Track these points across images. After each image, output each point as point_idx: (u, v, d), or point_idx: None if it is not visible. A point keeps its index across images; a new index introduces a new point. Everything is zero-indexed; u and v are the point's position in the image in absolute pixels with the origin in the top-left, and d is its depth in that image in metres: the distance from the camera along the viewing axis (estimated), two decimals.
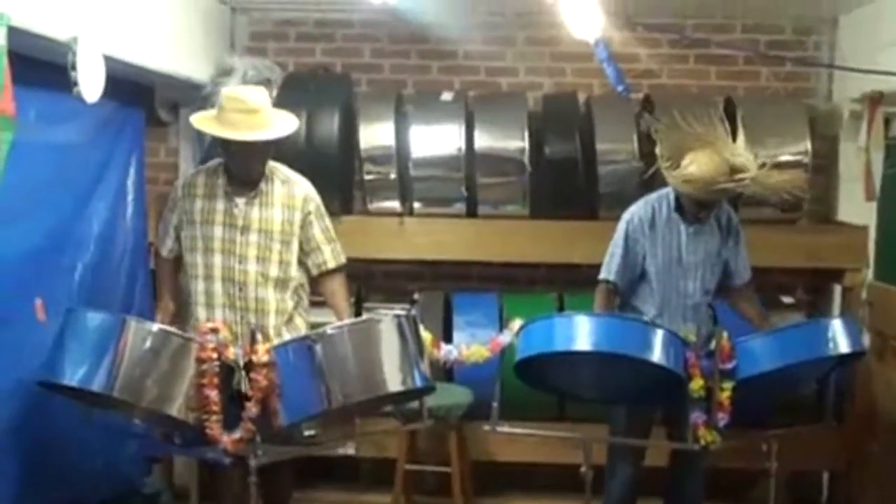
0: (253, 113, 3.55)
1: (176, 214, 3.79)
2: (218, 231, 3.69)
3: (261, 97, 3.63)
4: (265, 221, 3.69)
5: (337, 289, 3.83)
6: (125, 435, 3.94)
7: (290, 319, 3.74)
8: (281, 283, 3.72)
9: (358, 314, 4.78)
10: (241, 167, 3.67)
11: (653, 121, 4.02)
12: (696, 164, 3.68)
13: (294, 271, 3.75)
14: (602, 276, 3.92)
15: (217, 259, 3.69)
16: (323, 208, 3.82)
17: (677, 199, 3.86)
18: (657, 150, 3.85)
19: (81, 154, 3.96)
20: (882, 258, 4.74)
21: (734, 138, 3.77)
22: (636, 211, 3.92)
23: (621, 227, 3.92)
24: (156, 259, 4.02)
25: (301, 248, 3.76)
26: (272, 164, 3.76)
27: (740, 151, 3.73)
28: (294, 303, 3.76)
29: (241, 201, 3.69)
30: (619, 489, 3.98)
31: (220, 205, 3.70)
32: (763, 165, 3.75)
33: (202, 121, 3.69)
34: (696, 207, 3.82)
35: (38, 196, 3.61)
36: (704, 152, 3.69)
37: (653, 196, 3.95)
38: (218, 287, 3.69)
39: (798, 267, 4.96)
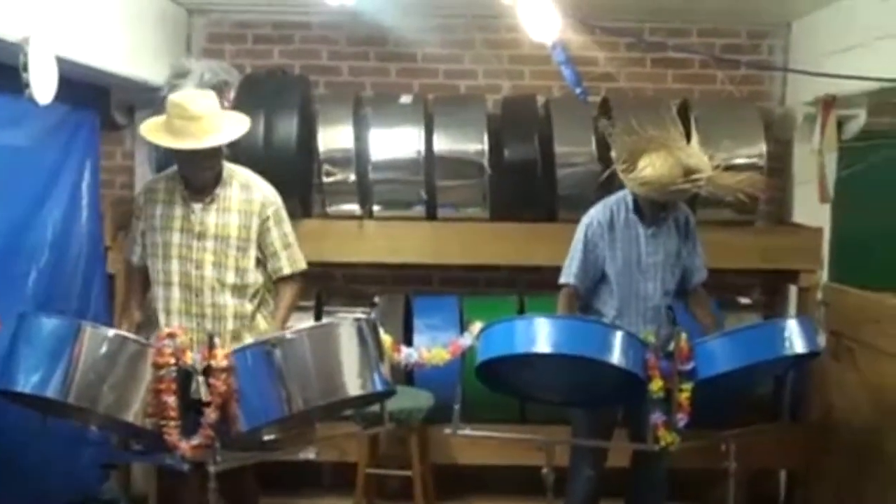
0: (195, 120, 3.47)
1: (141, 220, 3.74)
2: (175, 237, 3.65)
3: (205, 103, 3.55)
4: (221, 227, 3.65)
5: (284, 294, 3.76)
6: (82, 442, 3.88)
7: (252, 322, 3.70)
8: (238, 289, 3.68)
9: (318, 318, 4.78)
10: (190, 173, 3.63)
11: (607, 125, 4.05)
12: (651, 167, 3.71)
13: (252, 277, 3.70)
14: (562, 279, 3.93)
15: (174, 265, 3.65)
16: (283, 213, 3.76)
17: (635, 201, 3.88)
18: (612, 154, 3.87)
19: (34, 157, 3.91)
20: (836, 259, 4.82)
21: (688, 140, 3.81)
22: (595, 214, 3.94)
23: (580, 230, 3.93)
24: (126, 267, 3.93)
25: (261, 252, 3.72)
26: (232, 168, 3.72)
27: (694, 152, 3.76)
28: (255, 306, 3.72)
29: (197, 207, 3.65)
30: (581, 491, 3.99)
31: (178, 210, 3.66)
32: (717, 166, 3.79)
33: (150, 128, 3.62)
34: (653, 209, 3.85)
35: None
36: (659, 154, 3.72)
37: (611, 199, 3.97)
38: (176, 293, 3.66)
39: (754, 268, 5.01)
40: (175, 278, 3.66)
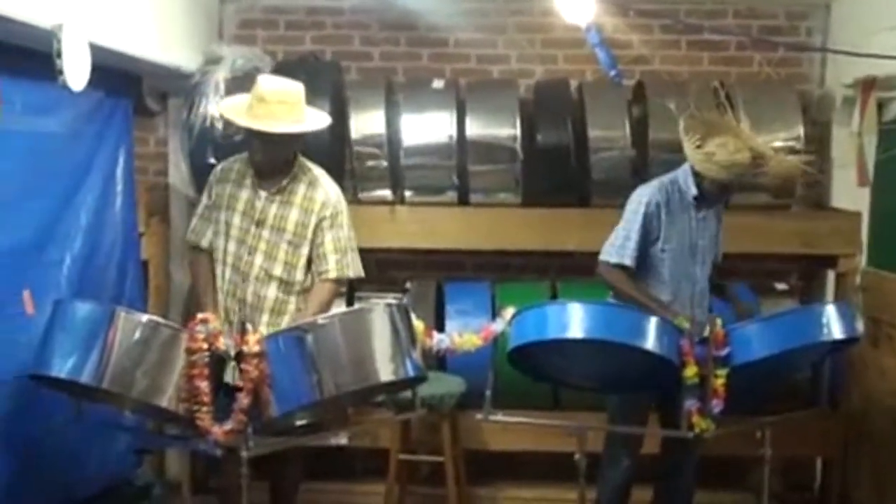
0: (266, 103, 3.52)
1: (212, 200, 3.77)
2: (236, 219, 3.69)
3: (280, 88, 3.59)
4: (280, 219, 3.67)
5: (320, 292, 3.68)
6: (116, 427, 3.91)
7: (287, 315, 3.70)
8: (283, 284, 3.68)
9: (350, 304, 4.78)
10: (251, 156, 3.66)
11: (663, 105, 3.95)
12: (725, 147, 3.68)
13: (300, 275, 3.70)
14: (615, 260, 3.80)
15: (232, 247, 3.69)
16: (343, 218, 3.72)
17: (698, 185, 3.82)
18: (682, 136, 3.79)
19: (68, 144, 3.92)
20: (875, 244, 4.73)
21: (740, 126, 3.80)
22: (652, 194, 3.84)
23: (637, 209, 3.82)
24: (193, 256, 3.86)
25: (312, 251, 3.70)
26: (305, 164, 3.74)
27: (755, 138, 3.77)
28: (296, 305, 3.71)
29: (263, 194, 3.68)
30: (618, 478, 3.97)
31: (245, 194, 3.70)
32: (779, 150, 3.78)
33: (231, 104, 3.69)
34: (719, 192, 3.82)
35: (25, 187, 3.57)
36: (730, 136, 3.71)
37: (665, 179, 3.90)
38: (227, 273, 3.70)
39: (791, 253, 4.94)
40: (229, 259, 3.70)
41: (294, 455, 3.81)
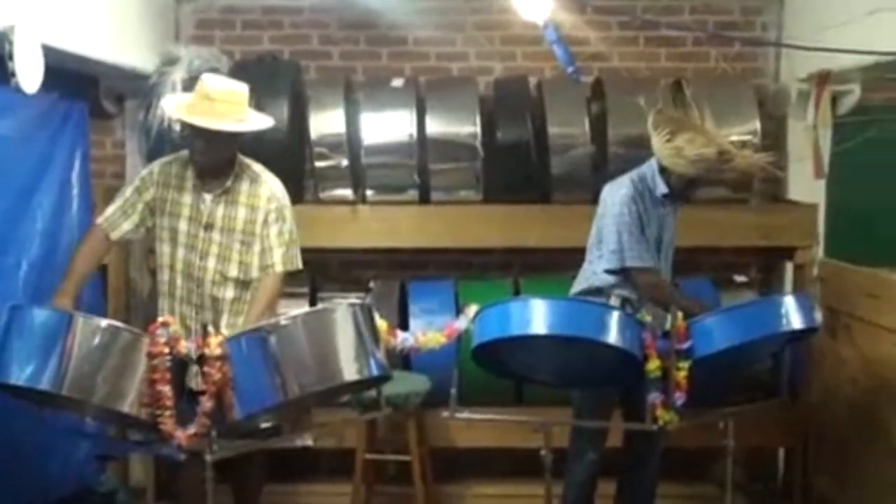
0: (211, 101, 3.48)
1: (146, 199, 3.68)
2: (183, 225, 3.65)
3: (225, 88, 3.56)
4: (228, 220, 3.64)
5: (267, 285, 3.64)
6: (78, 434, 3.86)
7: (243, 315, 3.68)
8: (240, 284, 3.67)
9: (313, 304, 4.75)
10: (193, 155, 3.61)
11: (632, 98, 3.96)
12: (692, 144, 3.71)
13: (255, 272, 3.68)
14: (638, 264, 3.78)
15: (180, 252, 3.65)
16: (287, 212, 3.70)
17: (666, 182, 3.84)
18: (650, 126, 3.80)
19: (22, 148, 3.86)
20: (832, 235, 4.81)
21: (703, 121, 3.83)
22: (630, 190, 3.83)
23: (626, 207, 3.80)
24: (91, 240, 3.70)
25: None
26: (244, 162, 3.70)
27: (720, 133, 3.80)
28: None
29: (208, 197, 3.64)
30: (584, 473, 4.00)
31: (188, 198, 3.65)
32: (744, 145, 3.82)
33: (174, 103, 3.64)
34: (686, 188, 3.84)
35: None
36: (697, 133, 3.74)
37: (634, 176, 3.91)
38: (178, 280, 3.66)
39: (750, 246, 5.00)
40: (179, 265, 3.66)
41: (256, 456, 3.78)
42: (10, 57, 3.14)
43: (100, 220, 3.73)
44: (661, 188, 3.85)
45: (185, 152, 3.73)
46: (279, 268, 3.68)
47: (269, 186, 3.69)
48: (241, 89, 3.61)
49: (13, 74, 3.17)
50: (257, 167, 3.73)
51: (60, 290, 3.53)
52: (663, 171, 3.83)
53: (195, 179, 3.66)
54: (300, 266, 3.76)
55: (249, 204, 3.65)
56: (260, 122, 3.69)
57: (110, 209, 3.73)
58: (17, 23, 3.17)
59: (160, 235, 3.70)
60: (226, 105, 3.52)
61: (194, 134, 3.56)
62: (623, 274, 3.83)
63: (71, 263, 3.64)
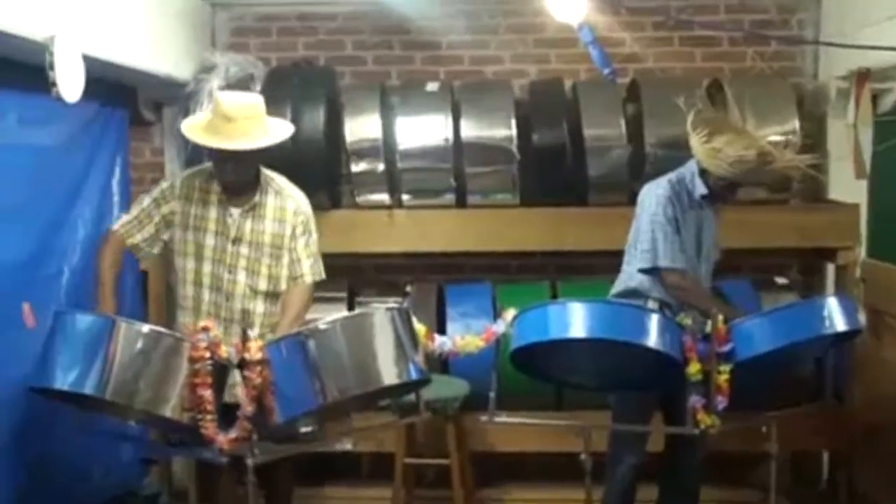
0: (234, 121, 3.48)
1: (164, 212, 3.70)
2: (210, 239, 3.66)
3: (248, 105, 3.55)
4: (257, 234, 3.66)
5: (297, 294, 3.69)
6: (121, 437, 3.90)
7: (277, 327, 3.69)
8: (270, 297, 3.69)
9: (350, 309, 4.78)
10: (223, 175, 3.62)
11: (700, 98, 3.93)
12: (733, 145, 3.68)
13: (284, 285, 3.71)
14: (664, 264, 3.75)
15: (207, 267, 3.67)
16: (312, 224, 3.75)
17: (706, 183, 3.82)
18: (690, 127, 3.77)
19: (64, 156, 3.91)
20: (874, 235, 4.74)
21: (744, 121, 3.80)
22: (666, 191, 3.81)
23: (660, 207, 3.77)
24: (106, 248, 3.66)
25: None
26: (268, 175, 3.72)
27: (760, 135, 3.77)
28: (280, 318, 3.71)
29: (235, 212, 3.66)
30: (624, 478, 3.96)
31: (213, 212, 3.67)
32: (786, 146, 3.78)
33: (191, 125, 3.63)
34: (726, 190, 3.82)
35: (22, 201, 3.56)
36: (737, 134, 3.71)
37: (672, 177, 3.88)
38: (206, 295, 3.68)
39: (790, 247, 4.96)
40: (206, 280, 3.67)
41: (283, 462, 3.78)
42: (52, 67, 3.18)
43: (116, 226, 3.73)
44: (701, 189, 3.82)
45: (208, 164, 3.74)
46: (308, 279, 3.72)
47: (294, 200, 3.72)
48: (258, 102, 3.61)
49: (54, 84, 3.20)
50: (281, 180, 3.75)
51: (102, 300, 3.55)
52: (703, 172, 3.81)
53: (220, 194, 3.67)
54: (323, 276, 3.79)
55: (277, 218, 3.68)
56: (283, 129, 3.70)
57: (126, 217, 3.75)
58: (57, 33, 3.22)
59: (183, 250, 3.70)
60: (247, 122, 3.51)
61: (221, 157, 3.56)
62: (655, 274, 3.80)
63: (100, 274, 3.61)
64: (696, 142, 3.75)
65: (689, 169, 3.86)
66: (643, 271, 3.82)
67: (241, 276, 3.66)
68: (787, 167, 3.80)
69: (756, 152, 3.68)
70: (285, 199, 3.70)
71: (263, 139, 3.56)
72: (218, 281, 3.66)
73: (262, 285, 3.68)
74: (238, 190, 3.66)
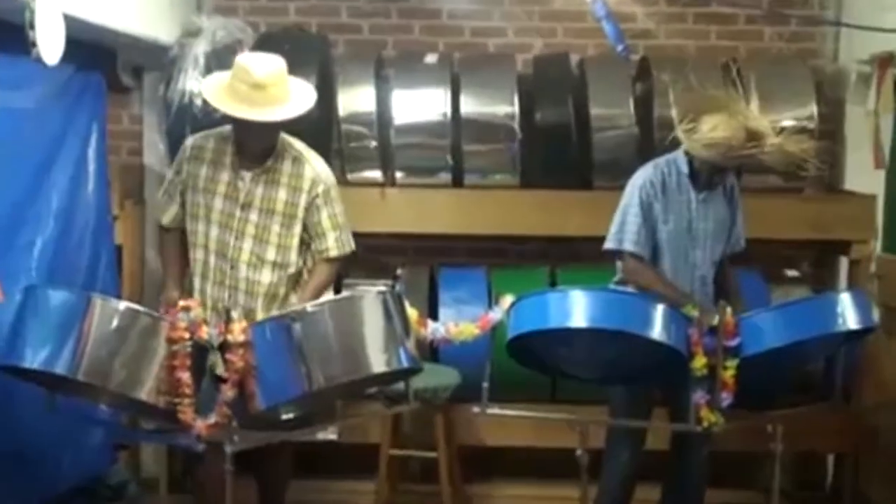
0: (261, 88, 3.49)
1: (181, 177, 3.75)
2: (218, 202, 3.68)
3: (273, 70, 3.55)
4: (268, 200, 3.66)
5: (321, 273, 3.74)
6: (91, 421, 3.91)
7: (284, 303, 3.71)
8: (278, 267, 3.69)
9: (338, 291, 4.77)
10: (247, 142, 3.65)
11: (669, 82, 3.96)
12: (716, 128, 3.70)
13: (294, 256, 3.71)
14: (621, 245, 3.83)
15: (214, 231, 3.69)
16: (334, 192, 3.74)
17: (690, 164, 3.85)
18: (673, 113, 3.81)
19: (39, 121, 3.90)
20: (891, 229, 4.75)
21: (747, 103, 3.80)
22: (646, 175, 3.89)
23: (633, 193, 3.86)
24: (159, 233, 3.98)
25: (306, 232, 3.72)
26: (286, 140, 3.72)
27: (756, 116, 3.75)
28: (290, 288, 3.73)
29: (247, 175, 3.66)
30: (618, 474, 4.00)
31: (225, 175, 3.68)
32: (782, 131, 3.78)
33: (213, 88, 3.63)
34: (710, 173, 3.84)
35: None
36: (723, 116, 3.71)
37: (660, 160, 3.94)
38: (212, 260, 3.70)
39: (803, 238, 4.97)
40: (213, 245, 3.69)
41: (283, 451, 3.82)
42: (32, 26, 3.16)
43: (155, 208, 3.85)
44: (683, 169, 3.85)
45: (226, 128, 3.74)
46: (333, 252, 3.73)
47: (312, 167, 3.70)
48: (283, 65, 3.61)
49: (34, 44, 3.19)
50: (300, 145, 3.75)
51: (164, 282, 3.87)
52: (687, 152, 3.84)
53: (234, 156, 3.68)
54: (353, 248, 3.81)
55: (291, 185, 3.67)
56: (307, 93, 3.72)
57: (158, 194, 3.87)
58: None
59: (194, 212, 3.73)
60: (277, 88, 3.53)
61: (252, 127, 3.55)
62: (619, 257, 3.86)
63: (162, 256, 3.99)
64: (681, 134, 3.78)
65: (681, 149, 3.89)
66: (608, 252, 3.87)
67: (248, 244, 3.66)
68: (782, 153, 3.79)
69: (741, 135, 3.68)
70: (302, 165, 3.69)
71: (294, 106, 3.59)
72: (224, 247, 3.67)
73: (271, 254, 3.67)
74: (253, 154, 3.66)
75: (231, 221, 3.67)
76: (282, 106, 3.55)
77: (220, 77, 3.69)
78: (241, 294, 3.66)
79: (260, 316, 3.57)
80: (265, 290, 3.68)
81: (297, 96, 3.65)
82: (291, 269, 3.71)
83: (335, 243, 3.73)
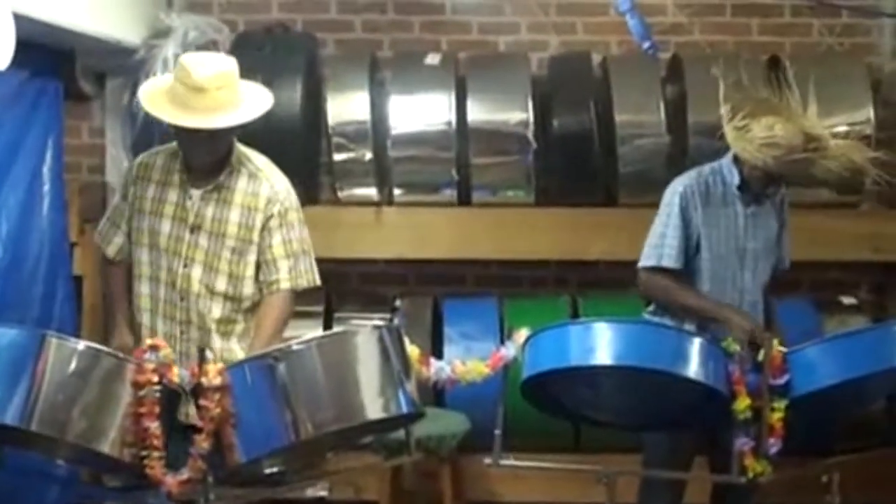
0: (203, 92, 3.46)
1: (128, 201, 3.73)
2: (165, 226, 3.65)
3: (219, 71, 3.53)
4: (218, 223, 3.63)
5: (270, 307, 3.65)
6: (46, 478, 3.91)
7: (244, 335, 3.71)
8: (229, 300, 3.66)
9: (328, 326, 4.78)
10: (190, 154, 3.63)
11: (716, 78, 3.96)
12: (772, 130, 3.69)
13: (249, 288, 3.67)
14: (651, 262, 3.81)
15: (160, 259, 3.67)
16: (294, 214, 3.68)
17: (740, 172, 3.85)
18: (722, 111, 3.80)
19: None
20: None
21: (804, 107, 3.80)
22: (688, 183, 3.86)
23: (672, 201, 3.83)
24: (103, 266, 3.91)
25: (258, 257, 3.68)
26: (243, 152, 3.69)
27: (814, 120, 3.76)
28: (247, 323, 3.70)
29: (196, 194, 3.64)
30: None
31: (173, 195, 3.66)
32: (846, 137, 3.79)
33: (151, 93, 3.61)
34: (763, 183, 3.83)
35: None
36: (779, 118, 3.71)
37: (705, 168, 3.91)
38: (162, 292, 3.68)
39: (860, 260, 4.99)
40: (161, 274, 3.67)
41: None
42: None
43: (95, 236, 3.82)
44: (733, 179, 3.85)
45: (174, 144, 3.73)
46: (285, 284, 3.67)
47: (270, 184, 3.67)
48: (232, 67, 3.60)
49: None
50: (259, 160, 3.72)
51: (113, 324, 3.76)
52: (737, 158, 3.83)
53: (182, 173, 3.66)
54: (316, 282, 3.74)
55: (245, 204, 3.64)
56: (261, 98, 3.68)
57: (101, 221, 3.83)
58: None
59: (138, 239, 3.71)
60: (222, 92, 3.50)
61: (192, 136, 3.54)
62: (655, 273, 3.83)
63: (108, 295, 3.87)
64: (725, 120, 3.77)
65: (728, 157, 3.89)
66: (645, 269, 3.84)
67: (197, 271, 3.63)
68: (846, 162, 3.80)
69: (799, 140, 3.69)
70: (259, 182, 3.65)
71: (242, 113, 3.55)
72: (172, 275, 3.65)
73: (220, 285, 3.65)
74: (201, 169, 3.65)
75: (179, 246, 3.64)
76: (226, 112, 3.51)
77: (163, 80, 3.69)
78: (194, 329, 3.64)
79: (218, 354, 3.53)
80: (216, 327, 3.65)
81: (249, 101, 3.61)
82: (246, 304, 3.68)
83: (288, 274, 3.65)
